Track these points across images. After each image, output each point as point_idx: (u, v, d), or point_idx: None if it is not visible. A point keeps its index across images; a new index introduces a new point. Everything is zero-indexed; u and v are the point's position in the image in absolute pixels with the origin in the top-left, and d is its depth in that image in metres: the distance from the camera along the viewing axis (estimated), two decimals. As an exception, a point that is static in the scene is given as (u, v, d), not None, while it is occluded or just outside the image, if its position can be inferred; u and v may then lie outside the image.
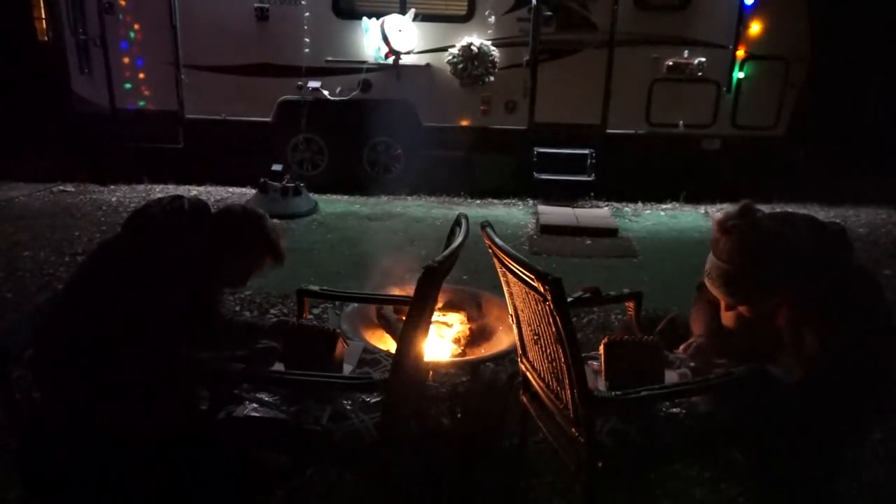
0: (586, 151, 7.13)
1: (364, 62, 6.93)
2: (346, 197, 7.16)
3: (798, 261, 1.86)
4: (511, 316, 2.25)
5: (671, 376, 2.08)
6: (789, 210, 2.05)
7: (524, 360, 2.26)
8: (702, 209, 7.04)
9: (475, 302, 3.08)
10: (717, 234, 1.92)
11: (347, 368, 2.21)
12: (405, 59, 6.89)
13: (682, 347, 2.17)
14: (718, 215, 1.95)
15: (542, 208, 6.75)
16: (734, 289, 1.90)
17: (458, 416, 2.87)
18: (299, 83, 7.00)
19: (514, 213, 6.85)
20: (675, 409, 1.97)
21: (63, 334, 1.95)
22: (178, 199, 2.06)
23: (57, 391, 1.99)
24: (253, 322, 2.42)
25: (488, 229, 2.12)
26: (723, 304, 2.03)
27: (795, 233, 1.89)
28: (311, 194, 6.78)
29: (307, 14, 6.85)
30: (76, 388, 1.94)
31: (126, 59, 7.08)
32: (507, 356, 2.80)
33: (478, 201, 7.29)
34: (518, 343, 2.28)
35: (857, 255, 1.97)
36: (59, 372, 1.95)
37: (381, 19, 6.73)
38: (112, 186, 7.27)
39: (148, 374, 1.91)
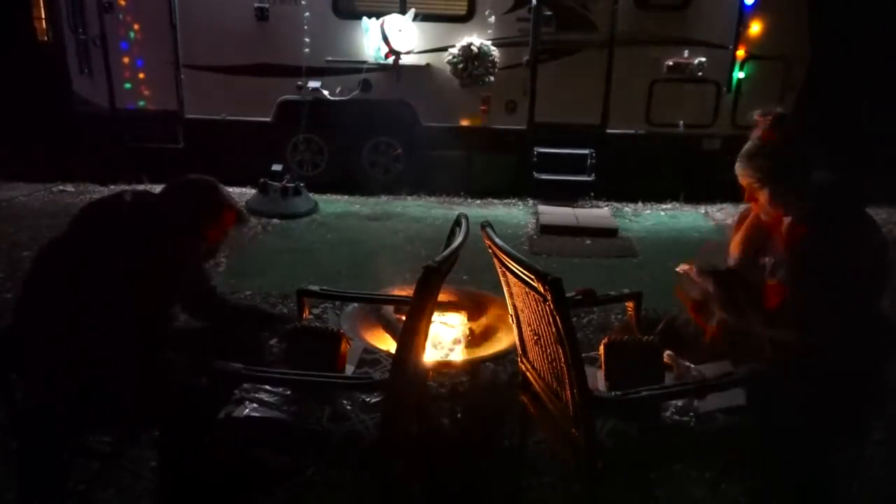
0: (586, 151, 7.12)
1: (364, 62, 6.93)
2: (346, 197, 7.16)
3: (814, 177, 2.00)
4: (511, 316, 2.25)
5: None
6: None
7: (524, 360, 2.26)
8: (702, 209, 7.04)
9: (475, 302, 3.07)
10: (758, 118, 2.13)
11: (348, 369, 2.21)
12: (405, 59, 6.89)
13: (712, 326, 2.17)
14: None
15: (542, 208, 6.75)
16: (757, 161, 2.08)
17: (458, 415, 2.87)
18: (299, 83, 6.99)
19: (514, 213, 6.85)
20: (678, 417, 1.97)
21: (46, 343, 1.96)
22: (122, 193, 2.13)
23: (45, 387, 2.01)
24: (251, 305, 2.44)
25: (488, 229, 2.12)
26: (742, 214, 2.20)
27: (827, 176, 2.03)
28: (311, 194, 6.78)
29: (307, 14, 6.85)
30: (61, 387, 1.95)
31: (126, 59, 7.08)
32: (507, 356, 2.80)
33: (478, 201, 7.29)
34: (518, 343, 2.28)
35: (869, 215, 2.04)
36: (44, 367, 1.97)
37: (381, 19, 6.73)
38: (112, 186, 7.26)
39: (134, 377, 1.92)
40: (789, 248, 1.97)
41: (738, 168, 2.15)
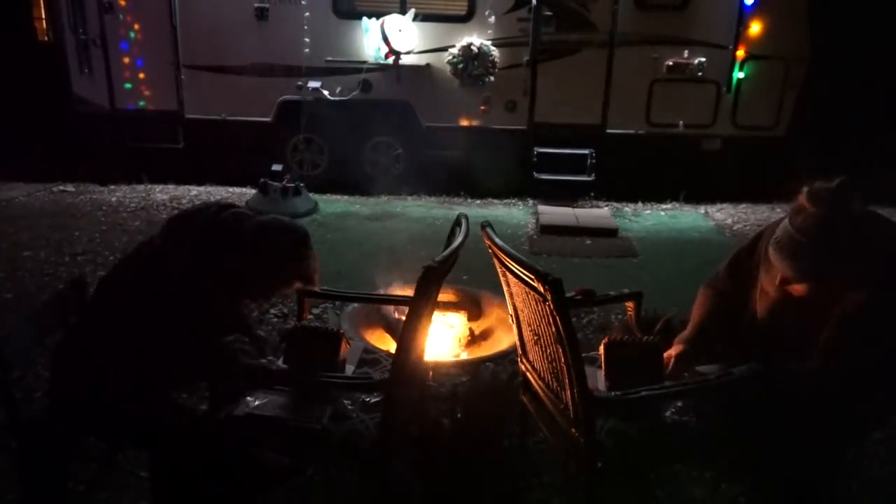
0: (586, 151, 7.13)
1: (364, 62, 6.93)
2: (346, 197, 7.16)
3: (876, 257, 1.78)
4: (511, 316, 2.25)
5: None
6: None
7: (524, 360, 2.26)
8: (702, 209, 7.04)
9: (475, 302, 3.07)
10: (803, 203, 1.80)
11: (349, 369, 2.21)
12: (405, 59, 6.89)
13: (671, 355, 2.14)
14: (813, 185, 1.81)
15: (542, 208, 6.75)
16: (799, 263, 1.80)
17: (458, 416, 2.87)
18: (299, 83, 6.99)
19: (514, 213, 6.85)
20: (678, 417, 1.97)
21: (87, 336, 1.97)
22: (224, 209, 2.03)
23: (71, 394, 2.00)
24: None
25: (488, 229, 2.12)
26: (767, 281, 1.97)
27: (879, 231, 1.83)
28: (311, 194, 6.79)
29: (307, 14, 6.85)
30: (91, 386, 1.95)
31: (126, 59, 7.09)
32: (507, 356, 2.80)
33: (478, 201, 7.29)
34: (518, 343, 2.28)
35: None
36: (80, 369, 1.97)
37: (381, 19, 6.73)
38: (112, 186, 7.27)
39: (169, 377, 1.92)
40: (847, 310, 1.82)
41: (776, 259, 1.85)
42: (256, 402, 2.03)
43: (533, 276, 1.76)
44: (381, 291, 3.01)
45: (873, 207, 1.92)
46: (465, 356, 2.86)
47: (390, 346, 2.58)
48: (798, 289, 1.88)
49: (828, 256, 1.77)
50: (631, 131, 7.15)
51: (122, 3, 6.94)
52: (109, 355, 1.91)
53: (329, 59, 6.97)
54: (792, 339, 1.95)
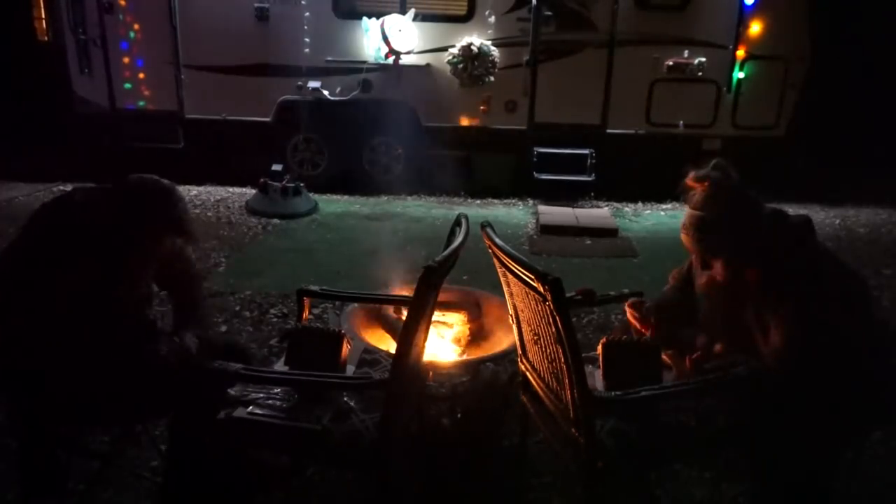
0: (586, 151, 7.13)
1: (364, 62, 6.93)
2: (346, 197, 7.17)
3: (763, 226, 1.96)
4: (511, 316, 2.25)
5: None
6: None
7: (524, 360, 2.26)
8: (702, 209, 7.03)
9: (475, 302, 3.07)
10: (690, 185, 2.04)
11: (348, 369, 2.21)
12: (405, 59, 6.89)
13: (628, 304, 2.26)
14: (695, 171, 2.06)
15: (542, 208, 6.76)
16: (705, 235, 1.99)
17: (458, 416, 2.87)
18: (299, 83, 6.99)
19: (514, 213, 6.85)
20: (677, 417, 1.97)
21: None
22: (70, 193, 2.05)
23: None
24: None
25: (488, 229, 2.12)
26: (697, 267, 2.13)
27: (759, 205, 2.01)
28: (311, 194, 6.79)
29: (307, 14, 6.85)
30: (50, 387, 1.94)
31: (126, 59, 7.08)
32: (507, 356, 2.80)
33: (478, 201, 7.29)
34: (518, 343, 2.28)
35: (824, 246, 2.07)
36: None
37: (381, 19, 6.73)
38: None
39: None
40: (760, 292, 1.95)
41: (686, 241, 2.06)
42: (256, 403, 2.03)
43: (533, 276, 1.76)
44: (381, 291, 3.01)
45: (872, 207, 1.96)
46: (465, 356, 2.86)
47: (390, 346, 2.58)
48: (717, 271, 2.03)
49: (726, 220, 1.96)
50: (631, 131, 7.15)
51: (122, 3, 6.94)
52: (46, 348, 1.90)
53: (329, 59, 6.97)
54: (735, 339, 2.05)
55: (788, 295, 1.89)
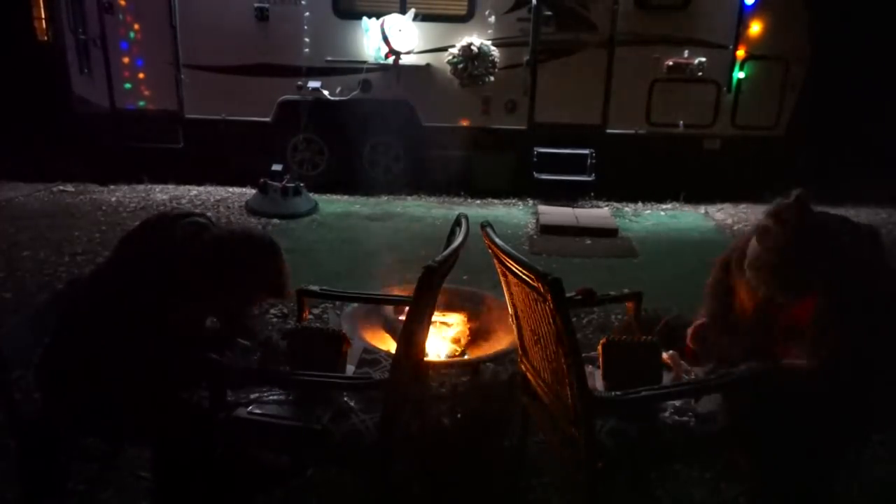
0: (586, 151, 7.12)
1: (364, 62, 6.92)
2: (346, 197, 7.16)
3: (839, 257, 1.86)
4: (511, 316, 2.25)
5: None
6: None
7: (524, 360, 2.26)
8: (702, 209, 7.03)
9: (475, 302, 3.08)
10: (767, 222, 1.92)
11: (348, 369, 2.21)
12: (405, 59, 6.88)
13: (690, 330, 2.15)
14: (773, 205, 1.93)
15: (542, 208, 6.75)
16: (778, 280, 1.90)
17: (458, 416, 2.87)
18: (299, 83, 6.99)
19: (514, 213, 6.85)
20: (677, 417, 1.97)
21: (72, 339, 1.96)
22: (179, 218, 2.00)
23: (60, 395, 2.00)
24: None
25: (488, 229, 2.12)
26: (747, 292, 2.03)
27: (836, 230, 1.92)
28: (311, 194, 6.78)
29: (307, 14, 6.85)
30: (79, 392, 1.94)
31: (126, 59, 7.08)
32: (507, 356, 2.80)
33: (478, 201, 7.29)
34: (518, 343, 2.28)
35: (890, 257, 1.97)
36: (64, 376, 1.96)
37: (381, 19, 6.73)
38: (112, 186, 7.26)
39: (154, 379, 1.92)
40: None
41: (754, 279, 1.95)
42: (257, 403, 2.03)
43: (533, 276, 1.76)
44: (381, 291, 3.01)
45: (872, 207, 1.95)
46: (465, 356, 2.86)
47: (390, 346, 2.58)
48: (780, 302, 1.96)
49: (803, 270, 1.87)
50: (631, 131, 7.14)
51: (122, 3, 6.94)
52: (92, 358, 1.90)
53: (329, 59, 6.97)
54: (775, 344, 2.01)
55: (850, 302, 1.84)
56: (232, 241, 1.95)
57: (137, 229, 2.04)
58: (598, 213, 6.79)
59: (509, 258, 1.94)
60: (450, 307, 3.03)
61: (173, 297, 1.93)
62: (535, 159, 7.15)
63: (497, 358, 2.84)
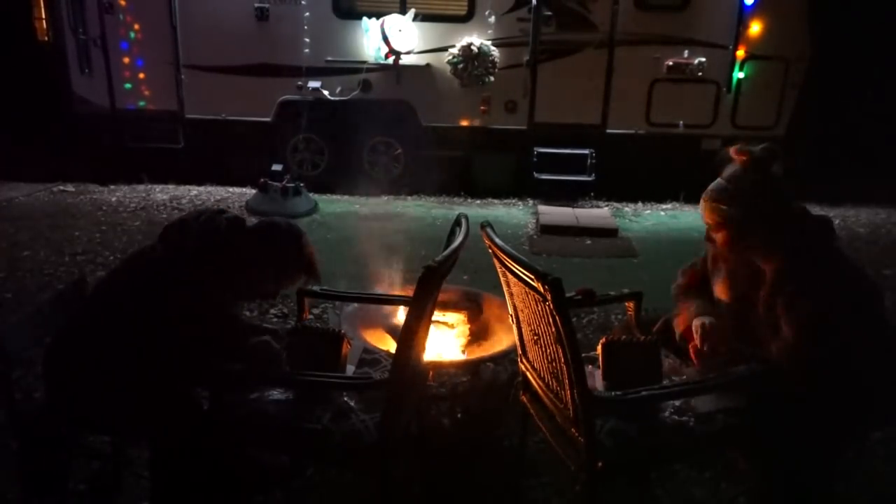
0: (586, 151, 7.13)
1: (364, 62, 6.93)
2: (346, 197, 7.17)
3: (784, 218, 1.95)
4: (511, 316, 2.24)
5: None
6: None
7: (524, 360, 2.26)
8: (702, 209, 7.03)
9: (475, 302, 3.08)
10: (732, 156, 2.02)
11: (349, 369, 2.21)
12: (405, 59, 6.89)
13: (694, 324, 2.15)
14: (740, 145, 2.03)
15: (542, 208, 6.76)
16: (723, 207, 1.98)
17: (458, 416, 2.87)
18: (299, 83, 7.00)
19: (514, 213, 6.85)
20: (677, 417, 1.97)
21: (83, 334, 1.98)
22: (217, 214, 2.08)
23: (64, 389, 2.00)
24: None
25: (488, 229, 2.12)
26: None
27: (792, 197, 2.01)
28: (311, 194, 6.79)
29: (307, 14, 6.85)
30: (85, 387, 1.94)
31: (126, 59, 7.09)
32: (507, 356, 2.80)
33: (478, 201, 7.29)
34: (518, 343, 2.28)
35: (841, 247, 2.04)
36: (71, 371, 1.97)
37: (381, 19, 6.73)
38: (112, 186, 7.27)
39: (160, 379, 1.92)
40: (777, 285, 1.93)
41: (707, 206, 2.04)
42: (256, 403, 2.03)
43: (533, 276, 1.76)
44: (381, 291, 3.01)
45: (872, 207, 1.96)
46: (465, 356, 2.86)
47: (390, 346, 2.58)
48: (721, 241, 2.03)
49: (749, 205, 1.96)
50: (631, 131, 7.15)
51: (122, 3, 6.94)
52: (110, 356, 1.91)
53: (329, 59, 6.98)
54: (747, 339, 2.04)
55: (805, 292, 1.87)
56: (270, 230, 2.14)
57: (177, 223, 2.09)
58: (598, 213, 6.79)
59: (509, 258, 1.94)
60: (450, 307, 3.03)
61: (213, 286, 2.01)
62: (535, 159, 7.16)
63: (497, 358, 2.84)
